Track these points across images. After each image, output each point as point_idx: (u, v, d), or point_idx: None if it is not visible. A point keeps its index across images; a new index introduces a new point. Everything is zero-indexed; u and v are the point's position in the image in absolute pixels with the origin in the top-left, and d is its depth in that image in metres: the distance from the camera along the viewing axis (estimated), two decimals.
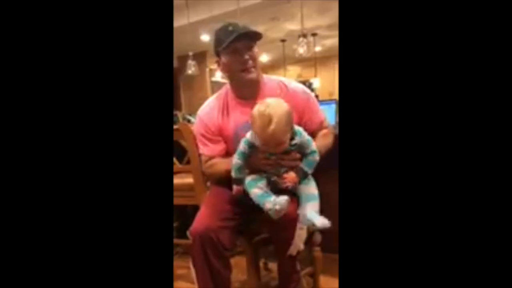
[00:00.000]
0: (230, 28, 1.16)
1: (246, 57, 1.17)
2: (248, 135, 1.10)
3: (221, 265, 1.09)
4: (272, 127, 0.98)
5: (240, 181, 1.12)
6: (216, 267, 1.08)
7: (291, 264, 1.20)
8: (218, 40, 1.19)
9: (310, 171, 1.11)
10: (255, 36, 1.18)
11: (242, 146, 1.10)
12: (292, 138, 1.07)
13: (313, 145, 1.11)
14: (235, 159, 1.12)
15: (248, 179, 1.10)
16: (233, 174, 1.12)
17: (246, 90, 1.24)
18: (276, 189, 1.08)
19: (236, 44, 1.16)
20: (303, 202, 1.08)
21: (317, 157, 1.11)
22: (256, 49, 1.20)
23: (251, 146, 1.09)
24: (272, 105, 1.01)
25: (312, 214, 1.03)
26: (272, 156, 1.08)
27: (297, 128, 1.10)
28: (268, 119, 0.98)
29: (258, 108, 1.02)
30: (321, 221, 1.00)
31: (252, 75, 1.19)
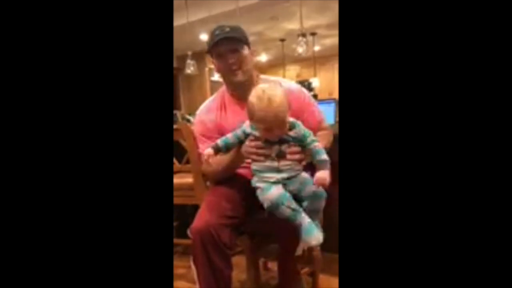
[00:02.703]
0: (217, 32, 1.19)
1: (230, 60, 1.19)
2: (245, 124, 1.11)
3: (222, 263, 1.09)
4: (275, 105, 0.98)
5: (218, 149, 1.11)
6: (217, 265, 1.08)
7: (293, 264, 1.20)
8: (207, 44, 1.23)
9: (324, 157, 1.05)
10: (239, 39, 1.19)
11: (238, 130, 1.12)
12: (290, 129, 1.06)
13: (312, 136, 1.07)
14: (230, 134, 1.13)
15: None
16: (218, 141, 1.13)
17: (238, 91, 1.26)
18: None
19: (220, 48, 1.19)
20: (308, 202, 1.06)
21: (319, 145, 1.07)
22: (245, 51, 1.21)
23: (246, 134, 1.10)
24: (269, 87, 1.03)
25: (310, 228, 1.02)
26: (267, 144, 1.06)
27: (294, 120, 1.08)
28: (268, 100, 0.98)
29: (255, 93, 1.02)
30: (317, 238, 1.02)
31: (238, 78, 1.21)
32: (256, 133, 1.07)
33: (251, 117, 1.04)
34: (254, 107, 1.00)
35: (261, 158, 1.06)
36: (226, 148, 1.13)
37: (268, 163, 1.06)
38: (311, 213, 1.07)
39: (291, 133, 1.06)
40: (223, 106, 1.30)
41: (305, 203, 1.06)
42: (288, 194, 1.03)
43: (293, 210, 1.01)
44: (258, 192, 1.06)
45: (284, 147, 1.05)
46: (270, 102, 0.98)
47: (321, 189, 1.04)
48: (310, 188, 1.05)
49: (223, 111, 1.29)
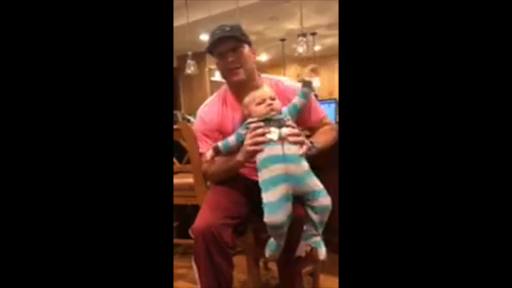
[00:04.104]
0: (217, 31, 1.19)
1: (230, 59, 1.19)
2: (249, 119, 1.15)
3: (224, 263, 1.09)
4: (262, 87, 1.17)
5: (218, 151, 1.15)
6: (218, 265, 1.08)
7: (294, 265, 1.20)
8: (208, 43, 1.22)
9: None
10: (239, 38, 1.19)
11: (240, 129, 1.15)
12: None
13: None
14: (231, 136, 1.16)
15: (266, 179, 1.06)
16: (220, 143, 1.15)
17: (239, 90, 1.26)
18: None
19: (220, 47, 1.19)
20: (311, 199, 1.06)
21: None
22: (245, 50, 1.21)
23: (248, 128, 1.12)
24: None
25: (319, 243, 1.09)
26: (268, 121, 1.09)
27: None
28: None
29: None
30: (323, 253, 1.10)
31: (238, 77, 1.20)
32: (255, 119, 1.10)
33: (246, 105, 1.14)
34: (246, 97, 1.15)
35: (260, 147, 1.06)
36: (227, 149, 1.14)
37: (272, 147, 1.05)
38: (318, 226, 1.08)
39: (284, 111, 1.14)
40: (224, 104, 1.30)
41: (315, 216, 1.06)
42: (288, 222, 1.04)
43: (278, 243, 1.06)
44: (264, 202, 1.04)
45: (283, 131, 1.07)
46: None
47: (330, 201, 1.07)
48: (323, 200, 1.06)
49: (224, 110, 1.29)
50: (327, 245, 1.13)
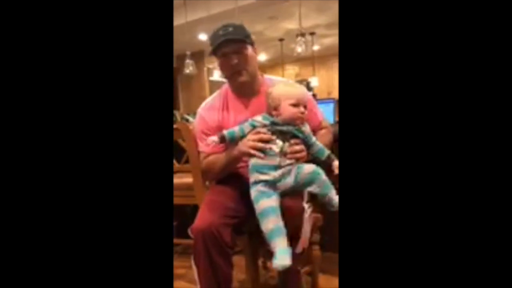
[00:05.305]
0: (220, 32, 1.18)
1: (235, 61, 1.18)
2: (255, 117, 1.13)
3: (223, 262, 1.09)
4: (302, 87, 1.16)
5: (223, 139, 1.12)
6: (218, 264, 1.08)
7: (292, 264, 1.20)
8: (210, 44, 1.22)
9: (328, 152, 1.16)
10: (243, 40, 1.18)
11: (245, 124, 1.13)
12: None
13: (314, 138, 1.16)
14: (236, 127, 1.14)
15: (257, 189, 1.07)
16: (225, 132, 1.13)
17: (242, 91, 1.26)
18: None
19: (224, 49, 1.18)
20: (308, 181, 1.07)
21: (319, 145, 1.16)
22: (248, 51, 1.20)
23: (253, 126, 1.11)
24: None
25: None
26: (276, 126, 1.08)
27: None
28: (295, 84, 1.20)
29: (280, 83, 1.17)
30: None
31: (243, 78, 1.20)
32: (269, 122, 1.09)
33: (278, 96, 1.09)
34: (281, 88, 1.11)
35: (261, 155, 1.05)
36: (231, 139, 1.13)
37: (269, 160, 1.06)
38: (325, 195, 1.07)
39: (304, 128, 1.12)
40: (225, 104, 1.30)
41: (311, 188, 1.07)
42: (277, 210, 1.02)
43: (273, 229, 1.00)
44: (252, 197, 1.06)
45: (286, 146, 1.07)
46: (298, 85, 1.16)
47: (314, 166, 1.08)
48: (307, 168, 1.07)
49: (225, 110, 1.29)
50: (324, 246, 1.12)
